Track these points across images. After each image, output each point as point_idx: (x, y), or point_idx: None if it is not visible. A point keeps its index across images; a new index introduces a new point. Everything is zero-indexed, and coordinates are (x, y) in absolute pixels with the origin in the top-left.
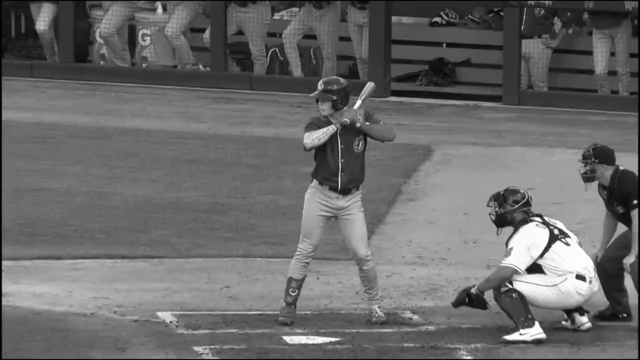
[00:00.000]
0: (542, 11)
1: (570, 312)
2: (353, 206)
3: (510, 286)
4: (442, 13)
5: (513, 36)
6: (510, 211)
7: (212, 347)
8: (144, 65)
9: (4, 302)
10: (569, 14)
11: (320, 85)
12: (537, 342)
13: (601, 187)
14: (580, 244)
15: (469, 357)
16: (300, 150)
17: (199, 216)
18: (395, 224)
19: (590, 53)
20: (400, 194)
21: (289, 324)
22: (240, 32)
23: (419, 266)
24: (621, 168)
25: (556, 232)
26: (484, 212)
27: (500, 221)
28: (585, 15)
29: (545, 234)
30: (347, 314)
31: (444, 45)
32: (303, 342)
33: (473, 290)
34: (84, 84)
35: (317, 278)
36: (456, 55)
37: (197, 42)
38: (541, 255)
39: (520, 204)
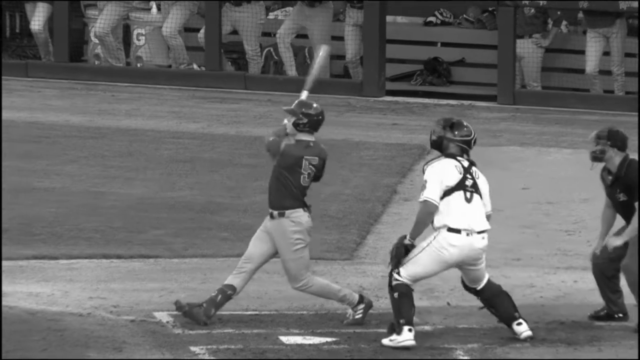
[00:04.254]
0: (532, 10)
1: (508, 324)
2: (280, 235)
3: (398, 279)
4: (436, 12)
5: (507, 36)
6: (448, 139)
7: (208, 347)
8: (138, 65)
9: None
10: (559, 12)
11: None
12: (404, 348)
13: (606, 171)
14: (489, 216)
15: (465, 357)
16: None
17: (194, 216)
18: (391, 223)
19: (584, 52)
20: (396, 194)
21: (201, 324)
22: (234, 32)
23: None
24: (630, 157)
25: (468, 182)
26: None
27: (435, 143)
28: (581, 15)
29: (456, 177)
30: (343, 313)
31: (439, 44)
32: (299, 342)
33: (407, 241)
34: (79, 84)
35: None
36: (451, 55)
37: (192, 41)
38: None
39: (462, 138)
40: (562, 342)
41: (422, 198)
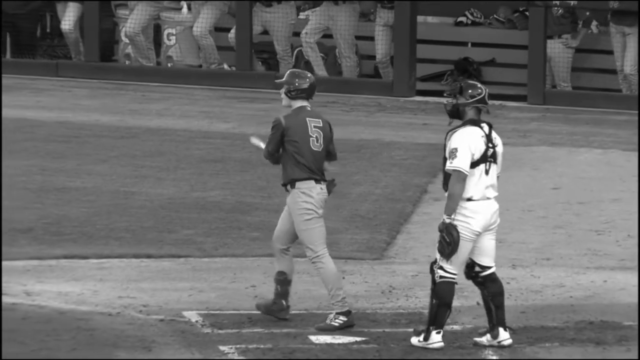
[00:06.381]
0: (560, 11)
1: (499, 326)
2: (292, 205)
3: (444, 275)
4: (467, 13)
5: (538, 36)
6: (464, 104)
7: (237, 346)
8: (169, 65)
9: (29, 302)
10: (587, 13)
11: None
12: (435, 349)
13: None
14: (498, 177)
15: (494, 357)
16: None
17: (225, 215)
18: (421, 223)
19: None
20: (426, 194)
21: (280, 319)
22: (265, 32)
23: None
24: None
25: (489, 152)
26: (510, 212)
27: (452, 113)
28: (610, 16)
29: (482, 148)
30: (373, 313)
31: (469, 44)
32: (329, 341)
33: (448, 220)
34: (110, 84)
35: (343, 277)
36: (481, 55)
37: (222, 41)
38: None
39: (475, 99)
40: (591, 342)
41: (454, 167)
